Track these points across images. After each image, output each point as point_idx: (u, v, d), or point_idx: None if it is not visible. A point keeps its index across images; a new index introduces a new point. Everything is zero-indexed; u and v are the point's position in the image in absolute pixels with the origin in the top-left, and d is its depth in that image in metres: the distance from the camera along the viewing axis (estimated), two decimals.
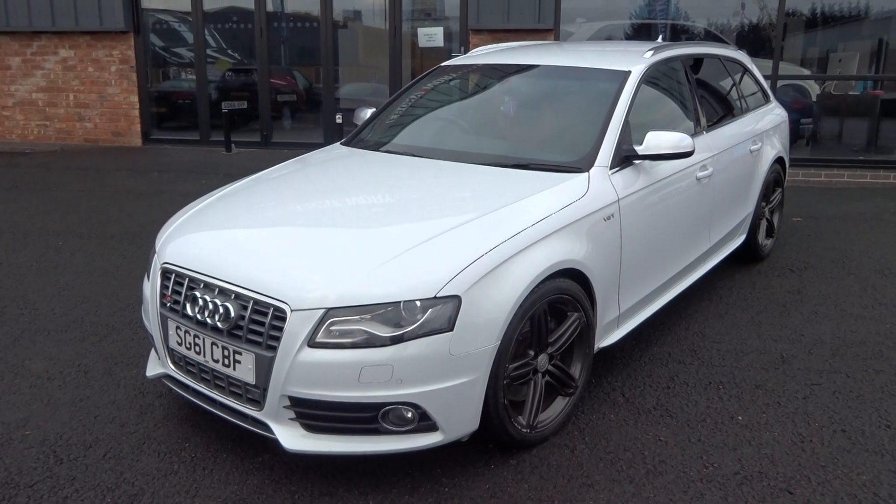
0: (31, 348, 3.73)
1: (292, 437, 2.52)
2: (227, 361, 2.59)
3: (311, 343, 2.42)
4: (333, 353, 2.41)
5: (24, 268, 4.98)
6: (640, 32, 9.05)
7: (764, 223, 5.13)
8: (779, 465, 2.77)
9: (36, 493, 2.58)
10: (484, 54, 4.55)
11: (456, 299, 2.45)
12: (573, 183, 3.12)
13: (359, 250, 2.63)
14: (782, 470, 2.74)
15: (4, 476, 2.68)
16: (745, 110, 4.90)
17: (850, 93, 8.85)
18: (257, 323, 2.52)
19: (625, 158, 3.36)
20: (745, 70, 5.17)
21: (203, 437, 2.93)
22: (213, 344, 2.62)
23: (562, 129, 3.74)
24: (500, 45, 4.90)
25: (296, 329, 2.43)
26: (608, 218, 3.13)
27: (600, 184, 3.18)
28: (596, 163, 3.25)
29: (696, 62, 4.49)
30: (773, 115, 5.23)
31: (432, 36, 9.48)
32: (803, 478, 2.69)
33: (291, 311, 2.44)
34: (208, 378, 2.70)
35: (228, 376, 2.61)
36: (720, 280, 4.77)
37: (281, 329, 2.45)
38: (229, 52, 10.29)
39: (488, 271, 2.54)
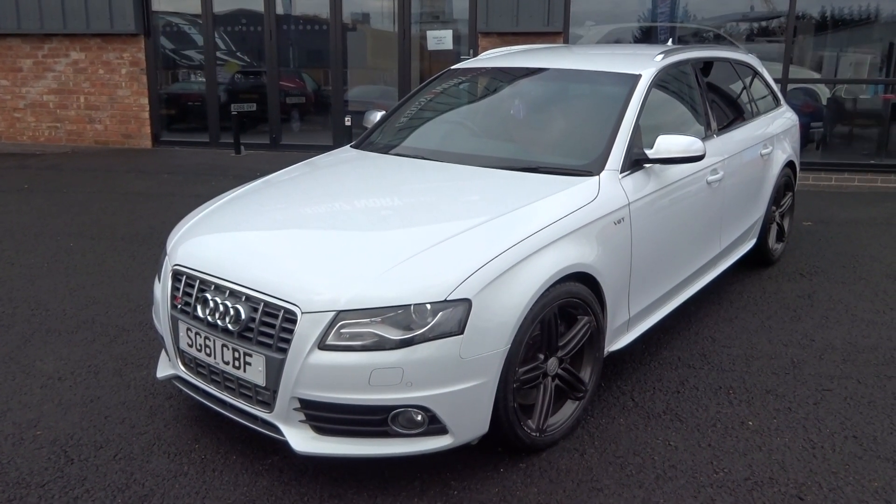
0: (42, 349, 3.75)
1: (302, 439, 2.52)
2: (237, 363, 2.60)
3: (322, 345, 2.42)
4: (343, 356, 2.41)
5: (36, 269, 5.01)
6: (650, 36, 9.03)
7: (774, 227, 5.11)
8: (790, 471, 2.75)
9: (47, 493, 2.60)
10: (493, 57, 4.55)
11: (466, 303, 2.45)
12: (583, 186, 3.11)
13: (369, 253, 2.63)
14: (793, 476, 2.72)
15: (16, 476, 2.69)
16: (756, 114, 4.88)
17: (861, 97, 8.81)
18: (268, 325, 2.52)
19: (635, 162, 3.35)
20: (756, 73, 5.15)
21: (213, 439, 2.93)
22: (223, 346, 2.63)
23: (572, 132, 3.74)
24: (509, 48, 4.90)
25: (306, 331, 2.43)
26: (618, 222, 3.12)
27: (611, 187, 3.17)
28: (606, 166, 3.25)
29: (707, 65, 4.47)
30: (783, 119, 5.21)
31: (441, 39, 9.49)
32: (814, 484, 2.68)
33: (302, 313, 2.44)
34: (218, 380, 2.71)
35: (239, 378, 2.62)
36: (730, 284, 4.75)
37: (291, 331, 2.45)
38: (239, 54, 10.33)
39: (499, 275, 2.54)
